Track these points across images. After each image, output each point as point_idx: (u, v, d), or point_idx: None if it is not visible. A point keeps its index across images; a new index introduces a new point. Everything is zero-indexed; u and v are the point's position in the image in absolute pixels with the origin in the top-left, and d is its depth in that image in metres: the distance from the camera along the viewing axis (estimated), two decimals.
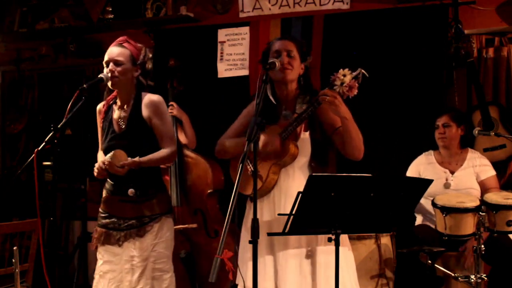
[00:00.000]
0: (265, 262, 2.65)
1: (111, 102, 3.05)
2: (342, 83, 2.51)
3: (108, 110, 3.04)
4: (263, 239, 2.57)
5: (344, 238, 2.68)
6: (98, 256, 3.01)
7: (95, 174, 2.91)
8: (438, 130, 3.74)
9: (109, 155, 2.84)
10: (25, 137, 5.67)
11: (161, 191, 3.05)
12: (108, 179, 3.03)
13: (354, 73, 2.54)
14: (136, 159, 2.84)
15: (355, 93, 2.53)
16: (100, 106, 3.08)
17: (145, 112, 2.95)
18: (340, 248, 2.53)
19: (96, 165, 2.89)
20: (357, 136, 2.64)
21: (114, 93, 3.03)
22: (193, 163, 3.93)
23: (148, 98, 2.98)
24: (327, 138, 2.74)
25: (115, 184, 2.99)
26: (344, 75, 2.53)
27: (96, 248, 3.03)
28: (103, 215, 3.02)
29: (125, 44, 2.98)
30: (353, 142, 2.64)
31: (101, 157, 3.01)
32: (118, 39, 3.01)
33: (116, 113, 3.01)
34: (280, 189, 2.70)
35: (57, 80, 5.58)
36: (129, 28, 5.12)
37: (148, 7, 4.99)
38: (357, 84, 2.53)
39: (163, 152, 2.94)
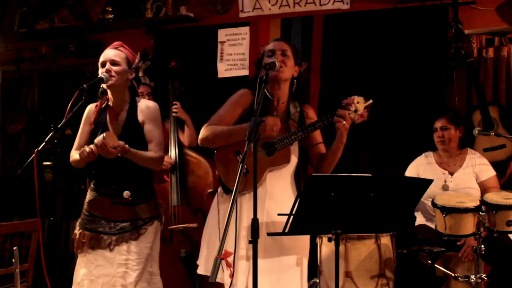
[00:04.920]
0: (240, 264, 2.65)
1: (104, 105, 3.02)
2: (356, 110, 2.60)
3: (101, 113, 3.01)
4: (241, 241, 2.60)
5: (304, 245, 2.75)
6: (90, 258, 2.93)
7: (82, 157, 2.79)
8: (436, 133, 3.73)
9: (101, 135, 2.76)
10: (25, 137, 5.67)
11: (152, 196, 3.06)
12: (95, 180, 3.02)
13: (367, 103, 2.63)
14: (126, 146, 2.80)
15: (361, 121, 2.63)
16: (92, 107, 3.05)
17: (140, 116, 2.96)
18: (297, 256, 2.65)
19: (86, 148, 2.79)
20: (337, 160, 2.75)
21: (107, 97, 3.02)
22: (194, 163, 3.94)
23: (145, 103, 3.01)
24: (304, 149, 2.84)
25: (107, 186, 2.97)
26: (358, 103, 2.60)
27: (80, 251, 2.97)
28: (90, 218, 2.97)
29: (121, 48, 3.00)
30: (333, 164, 2.76)
31: (75, 155, 2.95)
32: (113, 44, 3.03)
33: (110, 117, 3.00)
34: (265, 189, 2.71)
35: (57, 80, 5.59)
36: (129, 28, 5.12)
37: (148, 7, 4.99)
38: (366, 114, 2.62)
39: (151, 153, 2.93)
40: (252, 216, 2.63)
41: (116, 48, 2.99)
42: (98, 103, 3.04)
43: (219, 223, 2.69)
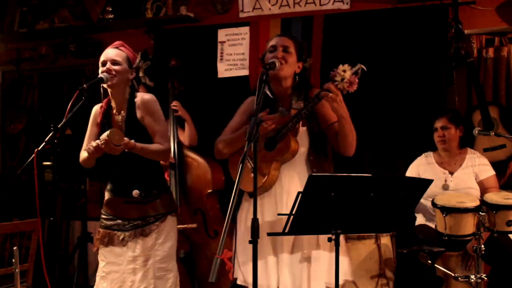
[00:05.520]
0: (268, 261, 2.65)
1: (107, 106, 3.02)
2: (342, 79, 2.52)
3: (106, 113, 3.02)
4: (265, 238, 2.58)
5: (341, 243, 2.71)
6: (100, 257, 3.01)
7: (89, 152, 2.81)
8: (437, 133, 3.73)
9: (106, 133, 2.76)
10: (25, 137, 5.67)
11: (165, 192, 3.06)
12: (109, 181, 3.04)
13: (354, 69, 2.55)
14: (132, 141, 2.81)
15: (355, 88, 2.55)
16: (98, 108, 3.06)
17: (138, 113, 2.96)
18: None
19: (93, 143, 2.80)
20: (351, 134, 2.67)
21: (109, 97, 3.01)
22: (193, 163, 3.94)
23: (141, 98, 2.98)
24: (321, 132, 2.77)
25: (118, 186, 3.00)
26: (344, 71, 2.53)
27: (97, 250, 3.03)
28: (107, 217, 3.02)
29: (121, 48, 3.00)
30: (347, 139, 2.67)
31: (83, 154, 2.97)
32: (114, 43, 3.02)
33: (115, 117, 3.00)
34: (281, 185, 2.71)
35: (57, 80, 5.58)
36: (129, 28, 5.12)
37: (148, 7, 4.99)
38: (357, 80, 2.54)
39: (157, 145, 2.91)
40: (273, 215, 2.68)
41: (117, 48, 2.98)
42: (102, 104, 3.04)
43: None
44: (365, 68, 2.57)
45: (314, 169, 2.69)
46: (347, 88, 2.53)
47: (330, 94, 2.52)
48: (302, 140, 2.72)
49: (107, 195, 3.06)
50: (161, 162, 3.74)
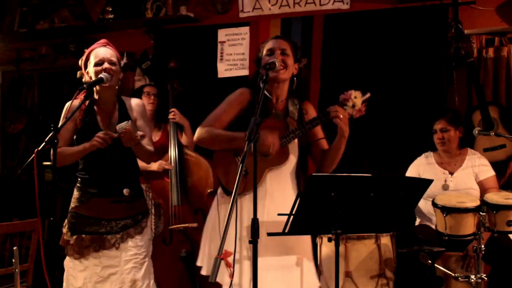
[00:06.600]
0: (244, 262, 2.65)
1: (88, 103, 2.95)
2: (353, 105, 2.59)
3: (87, 112, 2.95)
4: (245, 237, 2.60)
5: (307, 248, 2.75)
6: (93, 261, 2.94)
7: (98, 143, 2.78)
8: (436, 135, 3.73)
9: (124, 123, 2.77)
10: (25, 137, 5.68)
11: (143, 194, 3.15)
12: (83, 182, 2.98)
13: (365, 97, 2.62)
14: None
15: (360, 115, 2.63)
16: (74, 104, 2.88)
17: (132, 114, 3.00)
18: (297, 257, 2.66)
19: (102, 134, 2.79)
20: (341, 154, 2.73)
21: (81, 95, 2.86)
22: (193, 162, 3.94)
23: (134, 101, 3.06)
24: (306, 145, 2.81)
25: (105, 186, 2.95)
26: (356, 97, 2.59)
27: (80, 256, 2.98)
28: (88, 220, 2.94)
29: (109, 47, 2.98)
30: (336, 159, 2.74)
31: (69, 149, 2.91)
32: (100, 42, 2.99)
33: (100, 116, 2.97)
34: (265, 189, 2.69)
35: (57, 80, 5.58)
36: (129, 28, 5.13)
37: (148, 7, 5.00)
38: (364, 108, 2.62)
39: (148, 146, 2.98)
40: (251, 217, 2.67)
41: (105, 46, 2.96)
42: (83, 101, 2.91)
43: (219, 224, 2.69)
44: (369, 95, 2.66)
45: (300, 179, 2.77)
46: (354, 115, 2.61)
47: (341, 116, 2.59)
48: (292, 151, 2.76)
49: (83, 197, 2.97)
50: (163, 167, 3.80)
